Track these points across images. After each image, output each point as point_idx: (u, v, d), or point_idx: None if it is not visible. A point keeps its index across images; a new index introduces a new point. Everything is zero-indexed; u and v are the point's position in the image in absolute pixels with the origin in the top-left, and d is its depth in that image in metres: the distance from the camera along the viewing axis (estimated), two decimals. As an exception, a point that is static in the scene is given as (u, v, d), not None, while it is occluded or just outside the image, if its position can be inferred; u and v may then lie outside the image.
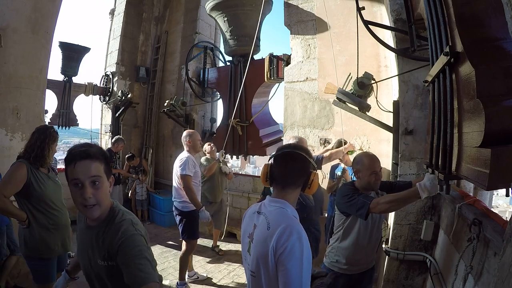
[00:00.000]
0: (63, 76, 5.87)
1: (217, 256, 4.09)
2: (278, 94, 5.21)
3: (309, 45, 4.10)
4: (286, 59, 4.37)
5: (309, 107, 4.08)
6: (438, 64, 1.21)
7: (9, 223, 2.78)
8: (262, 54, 5.04)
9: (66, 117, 5.86)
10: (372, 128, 3.26)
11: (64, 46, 5.76)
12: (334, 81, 3.08)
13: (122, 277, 1.01)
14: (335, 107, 3.11)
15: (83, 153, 1.06)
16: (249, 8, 4.76)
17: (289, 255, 1.02)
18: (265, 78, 4.55)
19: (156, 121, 6.22)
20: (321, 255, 2.35)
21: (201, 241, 4.69)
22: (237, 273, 3.72)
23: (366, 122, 2.97)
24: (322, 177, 3.78)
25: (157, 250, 4.23)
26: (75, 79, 5.99)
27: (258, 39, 5.15)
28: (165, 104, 5.39)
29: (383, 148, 3.45)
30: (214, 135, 5.63)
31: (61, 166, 6.69)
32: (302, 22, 4.16)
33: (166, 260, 4.02)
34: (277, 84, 4.90)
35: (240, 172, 11.04)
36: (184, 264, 3.25)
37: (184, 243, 3.23)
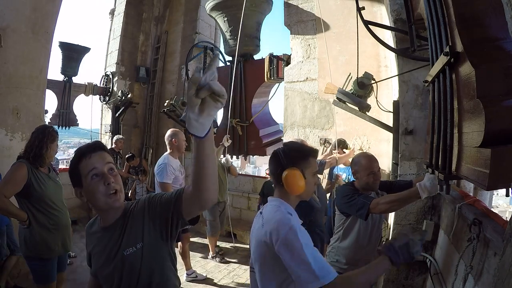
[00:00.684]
0: (63, 76, 5.87)
1: (217, 256, 4.08)
2: (278, 94, 5.22)
3: (309, 45, 4.10)
4: (286, 59, 4.37)
5: (309, 107, 4.08)
6: (438, 64, 1.21)
7: (9, 223, 2.78)
8: (262, 54, 5.04)
9: (66, 117, 5.86)
10: (372, 128, 3.26)
11: (64, 46, 5.76)
12: (334, 81, 3.08)
13: (149, 257, 1.03)
14: (335, 107, 3.11)
15: (95, 145, 1.10)
16: (249, 8, 4.75)
17: (285, 245, 1.06)
18: (265, 78, 4.55)
19: (156, 121, 6.22)
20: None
21: (201, 241, 4.69)
22: (237, 273, 3.72)
23: (366, 122, 2.97)
24: (322, 177, 3.78)
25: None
26: (75, 79, 6.00)
27: (258, 39, 5.16)
28: (165, 104, 5.39)
29: (383, 148, 3.45)
30: (214, 135, 5.62)
31: (62, 166, 6.71)
32: (302, 22, 4.17)
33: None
34: (277, 84, 4.90)
35: (240, 172, 11.04)
36: (185, 254, 3.45)
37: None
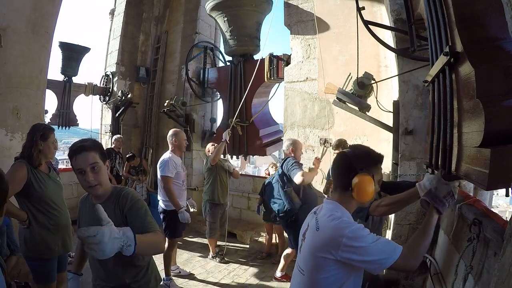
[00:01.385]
0: (63, 76, 5.87)
1: (217, 256, 4.08)
2: (278, 94, 5.22)
3: (309, 45, 4.10)
4: (286, 59, 4.37)
5: (309, 107, 4.08)
6: (438, 64, 1.21)
7: (9, 223, 2.78)
8: (262, 54, 5.05)
9: (66, 117, 5.86)
10: (372, 128, 3.26)
11: (64, 46, 5.76)
12: (334, 81, 3.08)
13: None
14: (335, 107, 3.11)
15: (79, 148, 1.34)
16: (249, 8, 4.76)
17: (348, 248, 1.07)
18: (265, 78, 4.55)
19: (156, 121, 6.22)
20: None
21: (201, 241, 4.69)
22: (237, 273, 3.72)
23: (366, 122, 2.97)
24: (322, 177, 3.78)
25: (157, 250, 4.23)
26: (75, 79, 6.00)
27: (258, 39, 5.16)
28: (165, 104, 5.39)
29: (383, 148, 3.44)
30: (214, 135, 5.63)
31: (62, 166, 6.70)
32: (302, 22, 4.17)
33: (166, 260, 4.01)
34: (277, 84, 4.90)
35: (240, 172, 11.03)
36: (168, 260, 3.33)
37: (166, 240, 3.32)
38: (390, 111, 2.83)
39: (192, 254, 4.26)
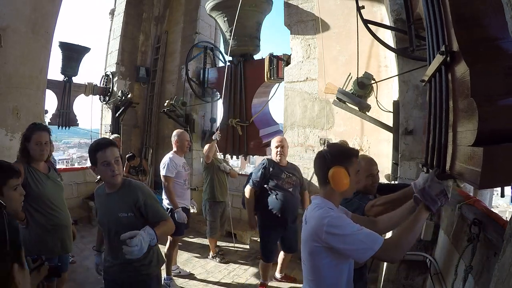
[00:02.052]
0: (63, 76, 5.86)
1: (217, 256, 4.08)
2: (278, 94, 5.22)
3: (309, 45, 4.10)
4: (286, 59, 4.37)
5: (309, 107, 4.08)
6: (435, 63, 1.21)
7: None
8: (262, 54, 5.04)
9: (66, 117, 5.86)
10: (372, 128, 3.26)
11: (64, 46, 5.76)
12: (334, 81, 3.08)
13: (136, 226, 1.51)
14: (335, 107, 3.11)
15: (109, 142, 1.67)
16: (249, 8, 4.76)
17: (330, 233, 1.19)
18: (265, 78, 4.55)
19: (156, 121, 6.22)
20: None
21: (201, 241, 4.69)
22: (237, 273, 3.72)
23: (366, 122, 2.97)
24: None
25: (157, 250, 4.23)
26: (75, 79, 5.99)
27: (258, 39, 5.16)
28: (165, 104, 5.39)
29: (383, 148, 3.45)
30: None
31: (61, 166, 6.68)
32: (302, 22, 4.17)
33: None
34: (277, 84, 4.90)
35: (240, 172, 11.04)
36: (169, 259, 3.34)
37: (168, 238, 3.35)
38: (390, 111, 2.83)
39: (192, 254, 4.26)
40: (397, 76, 2.63)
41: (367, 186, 1.87)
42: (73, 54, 5.80)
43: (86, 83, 6.13)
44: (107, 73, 6.39)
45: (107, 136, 6.16)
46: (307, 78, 4.11)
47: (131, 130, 6.46)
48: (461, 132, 1.02)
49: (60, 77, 5.86)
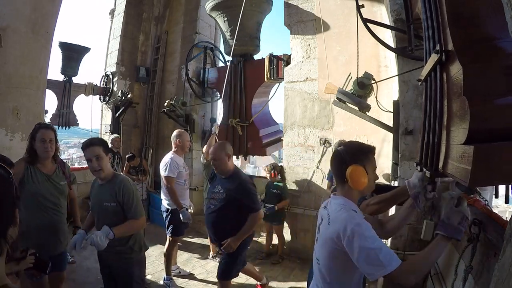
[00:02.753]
0: (63, 76, 5.86)
1: (217, 256, 4.07)
2: (278, 94, 5.22)
3: (309, 45, 4.10)
4: (286, 59, 4.37)
5: (309, 107, 4.08)
6: (430, 62, 1.21)
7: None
8: (262, 54, 5.04)
9: (66, 117, 5.86)
10: (372, 128, 3.26)
11: (64, 46, 5.76)
12: (334, 81, 3.08)
13: (118, 214, 1.93)
14: (335, 107, 3.12)
15: (87, 143, 1.95)
16: (249, 8, 4.75)
17: (352, 241, 1.14)
18: (265, 78, 4.55)
19: (156, 121, 6.22)
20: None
21: (201, 241, 4.69)
22: (237, 273, 3.71)
23: (366, 122, 2.97)
24: (322, 177, 3.78)
25: (157, 250, 4.22)
26: (75, 79, 5.99)
27: (258, 39, 5.16)
28: (165, 104, 5.39)
29: (383, 148, 3.45)
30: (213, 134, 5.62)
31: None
32: (302, 22, 4.17)
33: (166, 260, 4.00)
34: (277, 84, 4.90)
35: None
36: (169, 259, 3.33)
37: (168, 238, 3.34)
38: (390, 111, 2.83)
39: (192, 254, 4.26)
40: (397, 76, 2.62)
41: None
42: (73, 54, 5.80)
43: (86, 83, 6.14)
44: (107, 73, 6.39)
45: (107, 137, 6.18)
46: (307, 78, 4.11)
47: (131, 130, 6.46)
48: (454, 131, 1.01)
49: (60, 77, 5.87)
